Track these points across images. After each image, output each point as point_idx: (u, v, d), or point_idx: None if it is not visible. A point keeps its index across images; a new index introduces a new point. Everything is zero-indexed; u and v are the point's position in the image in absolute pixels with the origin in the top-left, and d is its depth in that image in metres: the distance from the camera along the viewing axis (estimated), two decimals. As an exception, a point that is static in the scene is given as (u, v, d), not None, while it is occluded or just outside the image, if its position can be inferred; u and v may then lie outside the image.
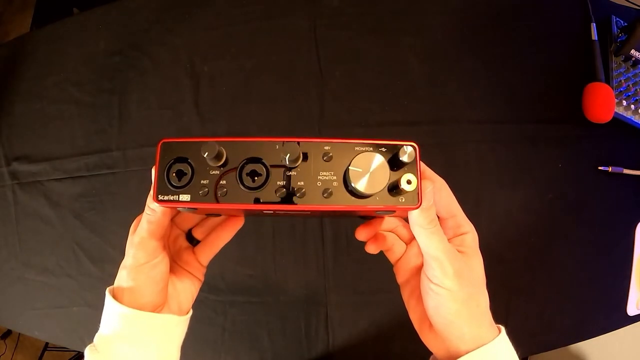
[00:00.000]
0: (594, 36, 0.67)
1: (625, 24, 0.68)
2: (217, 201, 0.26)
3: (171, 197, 0.26)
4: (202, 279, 0.38)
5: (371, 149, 0.27)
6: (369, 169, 0.25)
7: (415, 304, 0.35)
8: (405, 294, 0.36)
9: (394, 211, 0.27)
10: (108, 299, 0.33)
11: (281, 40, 0.68)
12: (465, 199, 0.67)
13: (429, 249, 0.30)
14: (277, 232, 0.63)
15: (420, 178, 0.27)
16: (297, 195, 0.26)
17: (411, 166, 0.27)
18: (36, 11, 1.43)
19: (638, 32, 0.64)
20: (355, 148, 0.26)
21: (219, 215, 0.36)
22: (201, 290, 0.59)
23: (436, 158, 0.64)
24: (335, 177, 0.26)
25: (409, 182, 0.26)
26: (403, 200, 0.27)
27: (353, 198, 0.26)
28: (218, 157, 0.26)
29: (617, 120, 0.64)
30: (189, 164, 0.26)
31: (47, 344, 1.33)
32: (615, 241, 0.65)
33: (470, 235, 0.33)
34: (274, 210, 0.28)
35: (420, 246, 0.32)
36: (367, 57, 0.67)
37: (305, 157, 0.27)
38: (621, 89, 0.66)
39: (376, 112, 0.65)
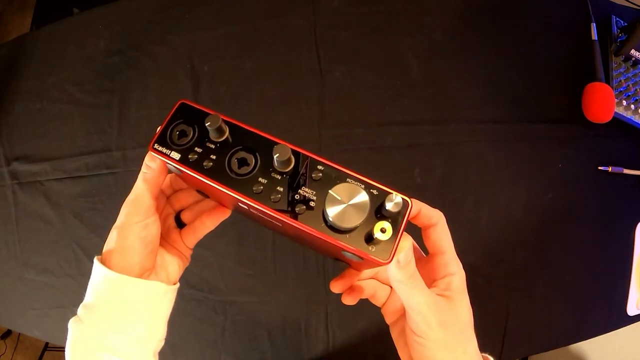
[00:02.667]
0: (594, 36, 0.67)
1: (625, 24, 0.68)
2: (199, 172, 0.26)
3: (164, 150, 0.27)
4: (189, 259, 0.38)
5: (362, 185, 0.25)
6: (347, 201, 0.24)
7: (403, 344, 0.34)
8: (395, 334, 0.35)
9: (362, 258, 0.25)
10: (96, 264, 0.32)
11: (281, 40, 0.68)
12: (465, 199, 0.67)
13: (410, 303, 0.29)
14: (277, 232, 0.63)
15: (400, 234, 0.25)
16: (272, 199, 0.25)
17: (395, 219, 0.25)
18: (36, 11, 1.44)
19: (638, 32, 0.64)
20: (348, 179, 0.25)
21: (207, 197, 0.36)
22: (201, 290, 0.58)
23: (436, 158, 0.64)
24: (315, 198, 0.25)
25: (382, 230, 0.23)
26: (374, 250, 0.24)
27: (324, 225, 0.24)
28: (219, 131, 0.26)
29: (617, 120, 0.65)
30: (193, 128, 0.27)
31: (47, 344, 1.33)
32: (615, 241, 0.65)
33: (457, 276, 0.31)
34: (248, 207, 0.27)
35: (401, 299, 0.30)
36: (367, 57, 0.67)
37: (296, 167, 0.26)
38: (621, 89, 0.66)
39: (376, 112, 0.65)
